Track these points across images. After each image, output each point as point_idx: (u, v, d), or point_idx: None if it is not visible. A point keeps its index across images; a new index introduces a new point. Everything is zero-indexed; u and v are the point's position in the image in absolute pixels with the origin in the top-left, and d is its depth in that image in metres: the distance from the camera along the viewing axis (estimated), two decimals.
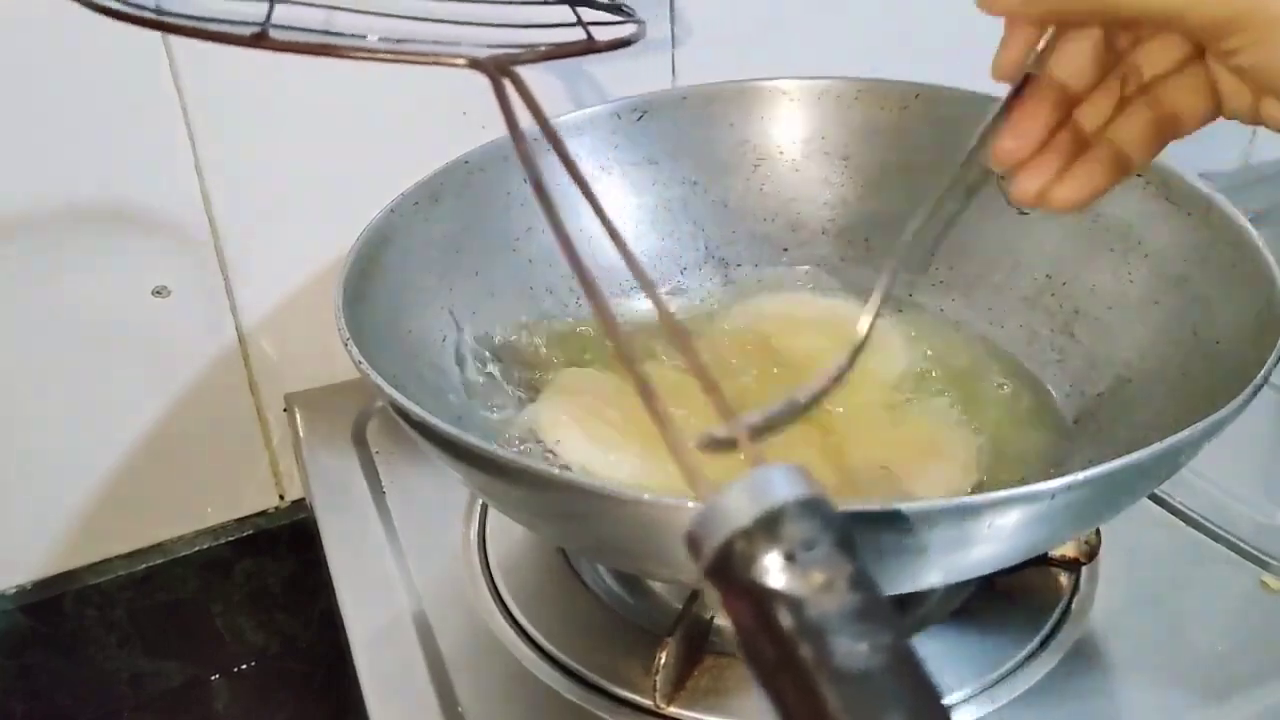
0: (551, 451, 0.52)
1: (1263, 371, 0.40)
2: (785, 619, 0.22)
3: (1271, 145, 0.90)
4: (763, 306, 0.61)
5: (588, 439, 0.52)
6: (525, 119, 0.33)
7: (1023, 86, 0.38)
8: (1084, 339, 0.55)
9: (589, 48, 0.41)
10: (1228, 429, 0.39)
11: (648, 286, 0.30)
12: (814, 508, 0.23)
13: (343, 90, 0.59)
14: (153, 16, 0.34)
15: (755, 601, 0.22)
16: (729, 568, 0.22)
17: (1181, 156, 0.54)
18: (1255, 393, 0.39)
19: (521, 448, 0.52)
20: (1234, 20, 0.31)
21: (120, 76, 0.55)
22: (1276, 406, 0.61)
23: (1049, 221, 0.57)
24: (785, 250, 0.63)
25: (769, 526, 0.22)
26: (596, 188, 0.60)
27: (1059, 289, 0.56)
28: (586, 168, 0.60)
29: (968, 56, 0.50)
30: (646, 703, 0.46)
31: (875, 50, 0.71)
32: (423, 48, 0.35)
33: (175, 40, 0.55)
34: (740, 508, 0.23)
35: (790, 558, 0.22)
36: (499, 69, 0.34)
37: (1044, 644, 0.48)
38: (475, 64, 0.34)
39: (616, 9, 0.48)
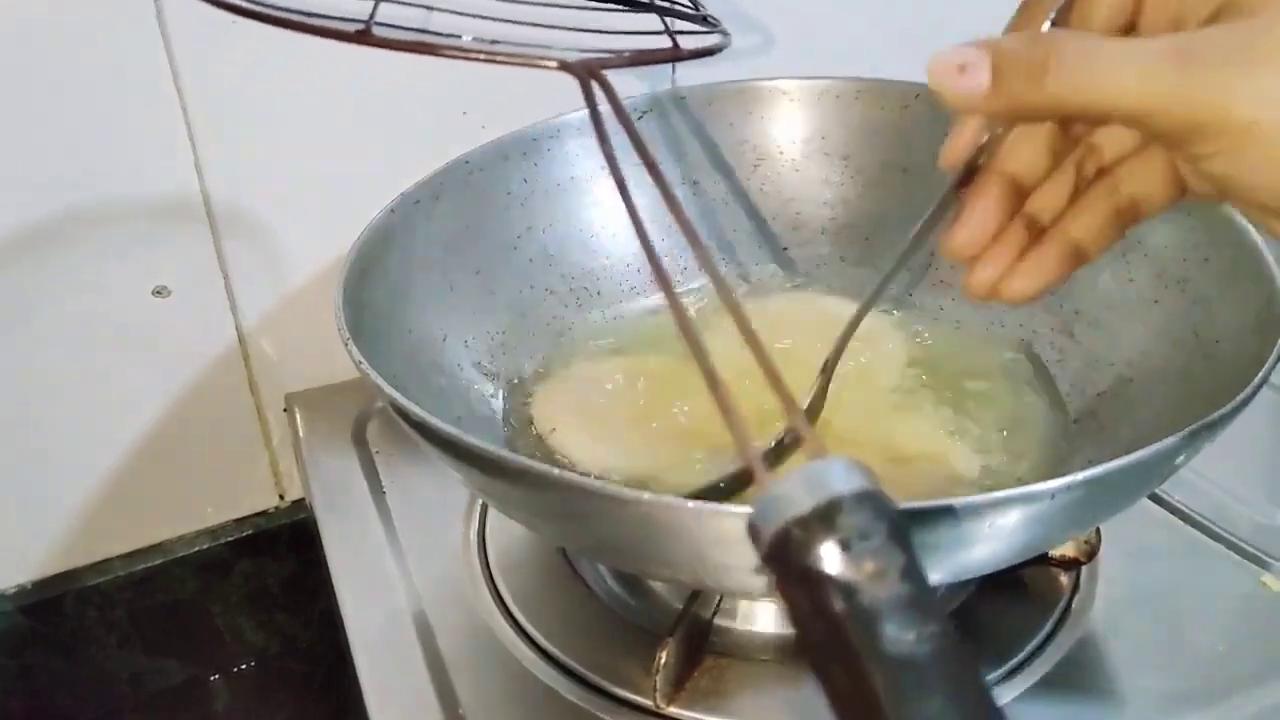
0: (545, 440, 0.52)
1: (1263, 371, 0.40)
2: (838, 603, 0.23)
3: None
4: (764, 306, 0.61)
5: (580, 428, 0.52)
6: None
7: (970, 176, 0.37)
8: (1084, 339, 0.55)
9: (674, 55, 0.42)
10: (1228, 429, 0.39)
11: (718, 281, 0.31)
12: (869, 500, 0.24)
13: (343, 90, 0.59)
14: (261, 9, 0.35)
15: (810, 586, 0.23)
16: (786, 553, 0.23)
17: None
18: (1255, 393, 0.39)
19: (516, 442, 0.52)
20: (1204, 126, 0.28)
21: (120, 77, 0.55)
22: (1276, 406, 0.61)
23: None
24: (785, 250, 0.63)
25: (826, 516, 0.23)
26: (597, 187, 0.60)
27: (1059, 289, 0.56)
28: (587, 167, 0.60)
29: None
30: (646, 703, 0.46)
31: (875, 50, 0.70)
32: (515, 49, 0.36)
33: (175, 41, 0.55)
34: (799, 497, 0.24)
35: (845, 546, 0.23)
36: (588, 72, 0.35)
37: (1044, 644, 0.48)
38: (565, 66, 0.35)
39: (702, 19, 0.49)
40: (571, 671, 0.48)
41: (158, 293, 0.60)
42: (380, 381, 0.41)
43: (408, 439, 0.42)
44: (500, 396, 0.55)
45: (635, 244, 0.63)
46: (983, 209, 0.37)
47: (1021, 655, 0.48)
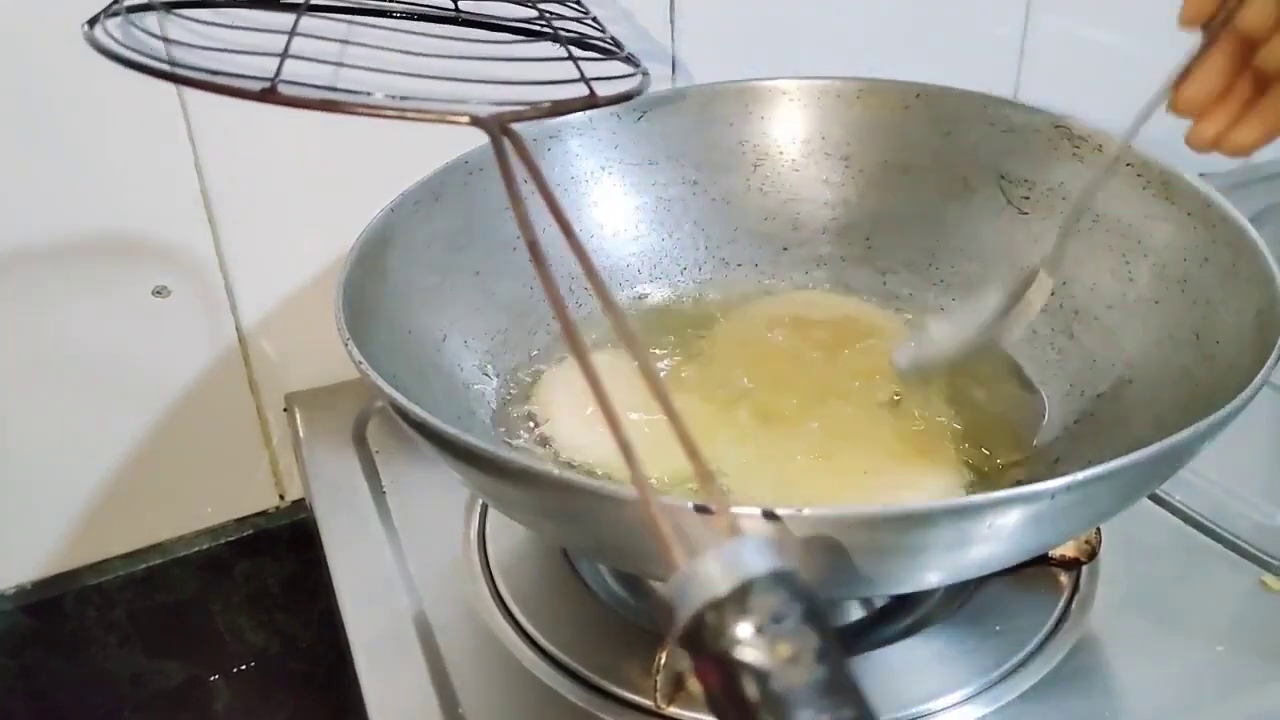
0: (544, 436, 0.52)
1: (1263, 371, 0.40)
2: (751, 690, 0.23)
3: (1272, 145, 0.90)
4: (764, 306, 0.61)
5: (577, 420, 0.52)
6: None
7: (1210, 37, 0.38)
8: (1084, 339, 0.55)
9: (590, 103, 0.41)
10: (1228, 429, 0.39)
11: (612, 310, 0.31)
12: (785, 580, 0.24)
13: None
14: (166, 68, 0.35)
15: (724, 671, 0.23)
16: (700, 637, 0.23)
17: (1182, 156, 0.54)
18: (1255, 393, 0.39)
19: (516, 442, 0.52)
20: None
21: (121, 79, 0.55)
22: (1276, 406, 0.61)
23: (1048, 221, 0.57)
24: (785, 250, 0.63)
25: (740, 598, 0.23)
26: (597, 187, 0.60)
27: (1059, 289, 0.56)
28: (587, 167, 0.60)
29: (968, 56, 0.51)
30: (646, 703, 0.46)
31: (875, 50, 0.71)
32: (426, 105, 0.35)
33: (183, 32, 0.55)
34: (714, 578, 0.23)
35: (759, 630, 0.23)
36: (500, 128, 0.35)
37: (1044, 644, 0.48)
38: (477, 122, 0.35)
39: (624, 59, 0.49)
40: (572, 671, 0.48)
41: (158, 293, 0.60)
42: (380, 381, 0.41)
43: (408, 439, 0.42)
44: (500, 396, 0.55)
45: (636, 244, 0.64)
46: (1213, 64, 0.38)
47: (1021, 655, 0.48)
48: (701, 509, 0.32)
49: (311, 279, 0.64)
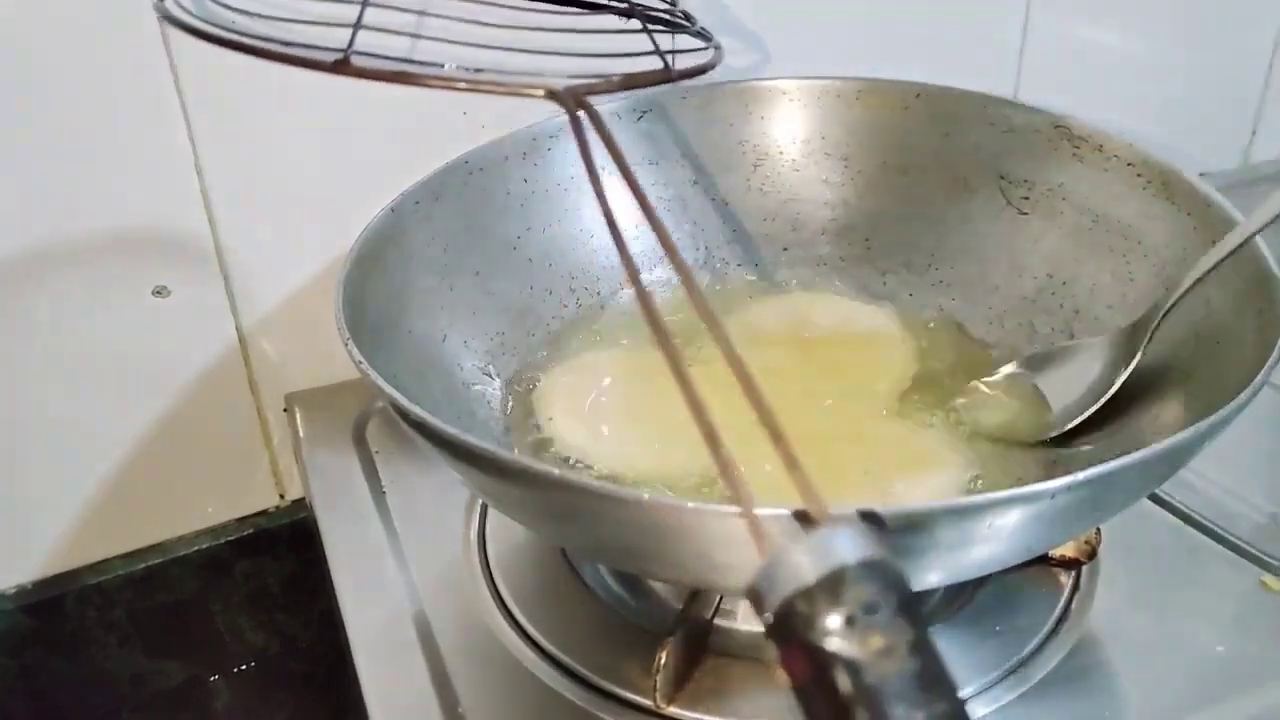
0: (545, 435, 0.52)
1: (1263, 371, 0.40)
2: (843, 682, 0.22)
3: (1272, 145, 0.90)
4: (765, 306, 0.61)
5: (580, 422, 0.52)
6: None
7: None
8: (1084, 339, 0.55)
9: (664, 77, 0.40)
10: (1228, 429, 0.39)
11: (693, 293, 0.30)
12: (878, 570, 0.23)
13: (343, 90, 0.59)
14: (239, 39, 0.35)
15: (814, 662, 0.22)
16: (790, 626, 0.23)
17: (1181, 156, 0.54)
18: (1255, 393, 0.39)
19: (516, 443, 0.52)
20: None
21: (122, 79, 0.55)
22: (1276, 406, 0.61)
23: (1049, 221, 0.57)
24: (785, 250, 0.63)
25: (831, 587, 0.22)
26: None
27: (1059, 289, 0.56)
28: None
29: (968, 56, 0.51)
30: (647, 703, 0.46)
31: (875, 50, 0.71)
32: (501, 77, 0.35)
33: (176, 42, 0.55)
34: (803, 566, 0.23)
35: (851, 621, 0.22)
36: (575, 100, 0.34)
37: (1044, 644, 0.48)
38: (552, 94, 0.35)
39: (697, 33, 0.48)
40: (571, 671, 0.48)
41: (158, 293, 0.60)
42: (380, 381, 0.41)
43: (408, 439, 0.42)
44: (500, 396, 0.55)
45: (636, 244, 0.63)
46: None
47: (1021, 655, 0.48)
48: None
49: (311, 279, 0.64)
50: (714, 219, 0.63)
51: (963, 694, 0.46)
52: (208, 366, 0.64)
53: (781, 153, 0.63)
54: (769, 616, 0.23)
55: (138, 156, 0.57)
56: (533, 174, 0.59)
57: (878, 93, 0.61)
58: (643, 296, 0.29)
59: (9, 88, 0.53)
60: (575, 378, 0.56)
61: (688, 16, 0.48)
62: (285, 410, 0.66)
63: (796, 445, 0.52)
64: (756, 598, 0.23)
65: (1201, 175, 0.52)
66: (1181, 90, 0.84)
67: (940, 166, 0.61)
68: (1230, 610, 0.51)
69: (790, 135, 0.63)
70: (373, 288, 0.48)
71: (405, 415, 0.40)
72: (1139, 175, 0.54)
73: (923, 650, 0.22)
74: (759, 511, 0.26)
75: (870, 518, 0.30)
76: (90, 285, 0.59)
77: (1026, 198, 0.58)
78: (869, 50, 0.70)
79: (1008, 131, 0.59)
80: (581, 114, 0.34)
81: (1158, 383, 0.50)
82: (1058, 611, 0.50)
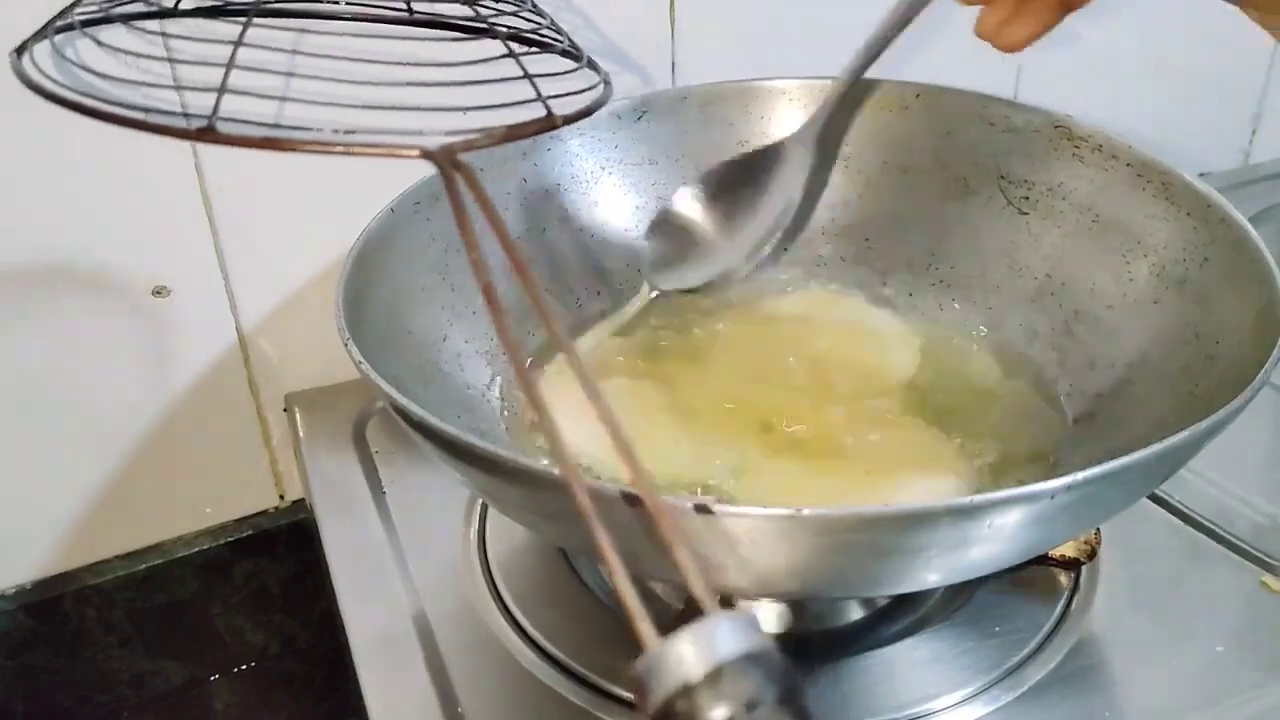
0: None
1: (1263, 371, 0.40)
2: None
3: (1271, 145, 0.90)
4: (765, 305, 0.61)
5: (577, 420, 0.52)
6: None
7: None
8: (1084, 339, 0.55)
9: (548, 124, 0.38)
10: (1228, 429, 0.39)
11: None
12: (759, 663, 0.23)
13: (343, 90, 0.59)
14: (102, 107, 0.33)
15: None
16: None
17: (1181, 156, 0.54)
18: (1255, 393, 0.39)
19: (516, 443, 0.52)
20: None
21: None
22: (1276, 406, 0.61)
23: (1049, 221, 0.57)
24: (785, 250, 0.63)
25: (713, 683, 0.23)
26: (597, 187, 0.60)
27: (1059, 289, 0.57)
28: (587, 167, 0.60)
29: (967, 56, 0.51)
30: None
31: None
32: (375, 138, 0.33)
33: (176, 43, 0.55)
34: (686, 660, 0.23)
35: (732, 719, 0.22)
36: (449, 160, 0.33)
37: (1044, 644, 0.48)
38: (427, 155, 0.33)
39: (587, 66, 0.45)
40: (571, 671, 0.48)
41: (158, 293, 0.60)
42: (380, 381, 0.41)
43: (408, 439, 0.42)
44: (500, 396, 0.55)
45: (636, 244, 0.63)
46: None
47: (1021, 655, 0.48)
48: (701, 509, 0.32)
49: (311, 279, 0.64)
50: None
51: (964, 694, 0.46)
52: (208, 366, 0.64)
53: None
54: (652, 709, 0.23)
55: (138, 157, 0.57)
56: (533, 174, 0.59)
57: (878, 93, 0.61)
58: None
59: (7, 89, 0.53)
60: (575, 379, 0.56)
61: (575, 48, 0.46)
62: (285, 410, 0.66)
63: (797, 444, 0.52)
64: (640, 689, 0.23)
65: (1201, 175, 0.52)
66: (1181, 90, 0.84)
67: (940, 166, 0.61)
68: (1230, 610, 0.51)
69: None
70: (373, 288, 0.48)
71: (405, 415, 0.40)
72: (1139, 175, 0.54)
73: None
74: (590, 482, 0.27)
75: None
76: (90, 285, 0.59)
77: (1026, 198, 0.58)
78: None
79: (1007, 131, 0.59)
80: (457, 175, 0.33)
81: (1158, 383, 0.50)
82: (1057, 611, 0.50)
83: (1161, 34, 0.81)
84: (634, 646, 0.47)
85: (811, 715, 0.23)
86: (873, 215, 0.62)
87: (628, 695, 0.46)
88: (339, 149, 0.33)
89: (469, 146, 0.34)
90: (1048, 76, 0.76)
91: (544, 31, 0.46)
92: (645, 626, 0.24)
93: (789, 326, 0.59)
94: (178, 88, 0.34)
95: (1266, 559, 0.52)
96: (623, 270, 0.61)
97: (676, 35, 0.66)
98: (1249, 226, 0.49)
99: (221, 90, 0.33)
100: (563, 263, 0.60)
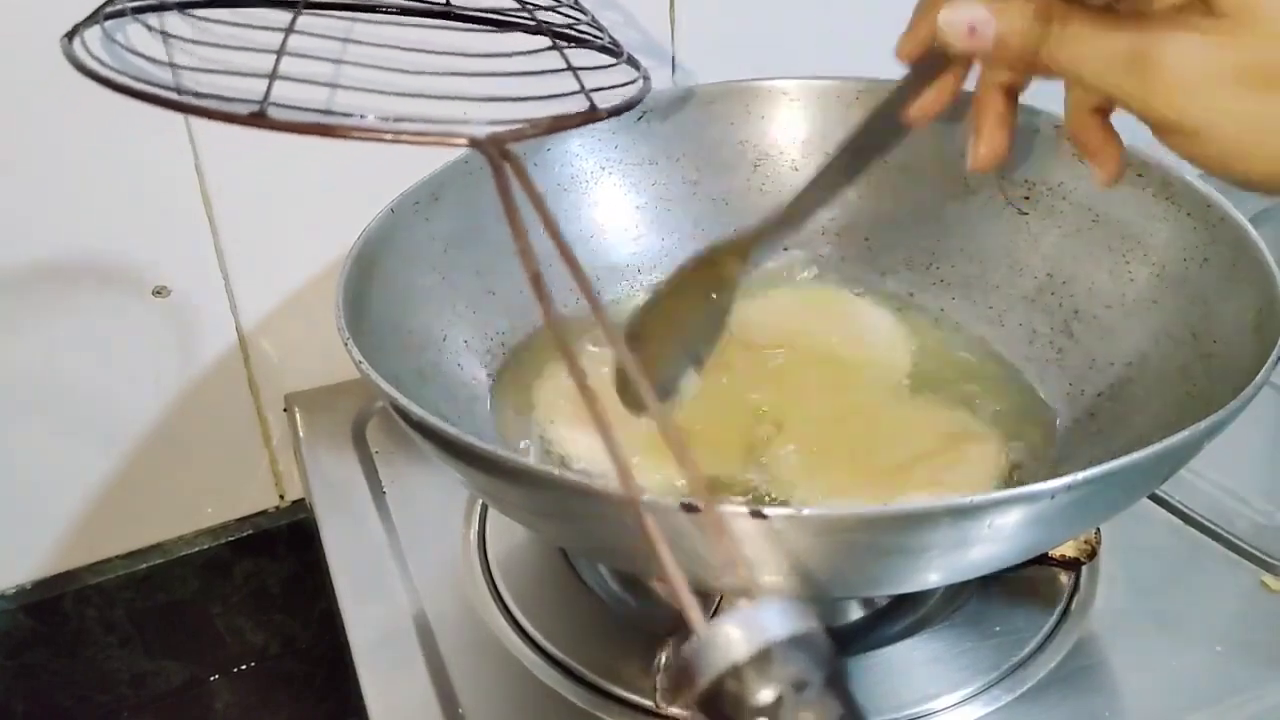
0: (545, 435, 0.52)
1: (1263, 371, 0.40)
2: None
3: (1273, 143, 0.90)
4: (765, 305, 0.61)
5: (577, 420, 0.53)
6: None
7: (928, 64, 0.40)
8: (1084, 339, 0.55)
9: (590, 117, 0.40)
10: (1228, 429, 0.39)
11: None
12: (806, 645, 0.23)
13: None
14: (147, 89, 0.34)
15: None
16: (720, 703, 0.23)
17: None
18: (1255, 393, 0.39)
19: (516, 443, 0.52)
20: (1165, 124, 0.32)
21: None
22: (1276, 406, 0.61)
23: (1048, 221, 0.57)
24: (785, 250, 0.63)
25: (761, 665, 0.23)
26: (597, 187, 0.60)
27: (1059, 289, 0.56)
28: (587, 167, 0.60)
29: None
30: (647, 703, 0.46)
31: (875, 50, 0.70)
32: (423, 126, 0.34)
33: (176, 43, 0.55)
34: (734, 643, 0.23)
35: (780, 699, 0.22)
36: (497, 149, 0.34)
37: (1044, 644, 0.48)
38: (474, 143, 0.34)
39: (626, 62, 0.47)
40: (572, 672, 0.48)
41: (158, 293, 0.60)
42: (380, 381, 0.41)
43: (408, 439, 0.42)
44: (500, 396, 0.55)
45: (636, 244, 0.63)
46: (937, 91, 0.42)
47: (1021, 655, 0.48)
48: (689, 507, 0.32)
49: (311, 279, 0.64)
50: (714, 219, 0.63)
51: (964, 694, 0.46)
52: (208, 366, 0.64)
53: (781, 153, 0.63)
54: (699, 691, 0.23)
55: (139, 157, 0.57)
56: (533, 174, 0.58)
57: (878, 93, 0.61)
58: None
59: (7, 89, 0.53)
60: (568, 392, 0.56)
61: (615, 45, 0.47)
62: (285, 410, 0.66)
63: (813, 445, 0.51)
64: (687, 675, 0.23)
65: (1201, 175, 0.52)
66: None
67: (940, 166, 0.60)
68: (1230, 610, 0.51)
69: (790, 135, 0.62)
70: (373, 288, 0.48)
71: (405, 415, 0.40)
72: (1139, 175, 0.54)
73: None
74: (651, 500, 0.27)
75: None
76: (90, 285, 0.59)
77: (1026, 198, 0.58)
78: (869, 50, 0.70)
79: None
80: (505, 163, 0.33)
81: (1157, 382, 0.50)
82: (1057, 611, 0.50)
83: None
84: (633, 646, 0.48)
85: (855, 700, 0.23)
86: (873, 215, 0.62)
87: (628, 695, 0.46)
88: (388, 136, 0.34)
89: (517, 136, 0.35)
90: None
91: (585, 27, 0.46)
92: (695, 613, 0.24)
93: (789, 326, 0.59)
94: (230, 73, 0.34)
95: (1266, 559, 0.52)
96: (622, 270, 0.61)
97: (676, 35, 0.66)
98: (1249, 226, 0.49)
99: (273, 77, 0.33)
100: (561, 262, 0.59)
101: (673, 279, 0.45)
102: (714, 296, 0.45)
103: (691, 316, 0.45)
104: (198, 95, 0.33)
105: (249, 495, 0.68)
